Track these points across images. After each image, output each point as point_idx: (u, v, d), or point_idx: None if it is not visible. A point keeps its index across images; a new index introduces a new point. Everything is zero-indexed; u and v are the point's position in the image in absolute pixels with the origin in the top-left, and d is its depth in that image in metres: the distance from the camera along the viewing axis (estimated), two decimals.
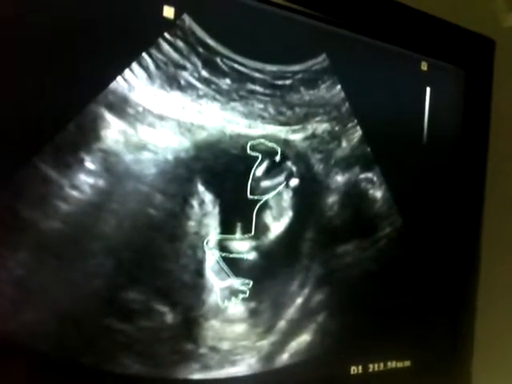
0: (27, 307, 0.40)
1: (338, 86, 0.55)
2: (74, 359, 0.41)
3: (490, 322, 0.70)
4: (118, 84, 0.43)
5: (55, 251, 0.41)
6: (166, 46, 0.45)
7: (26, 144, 0.40)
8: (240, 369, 0.50)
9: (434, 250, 0.65)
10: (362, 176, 0.58)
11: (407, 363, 0.62)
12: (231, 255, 0.50)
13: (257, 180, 0.51)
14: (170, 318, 0.46)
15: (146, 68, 0.44)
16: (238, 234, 0.50)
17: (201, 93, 0.47)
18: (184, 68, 0.46)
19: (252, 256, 0.51)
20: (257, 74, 0.50)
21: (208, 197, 0.48)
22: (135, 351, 0.44)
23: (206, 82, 0.47)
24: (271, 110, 0.51)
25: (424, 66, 0.63)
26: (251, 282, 0.51)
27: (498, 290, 0.72)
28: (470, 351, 0.68)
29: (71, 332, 0.41)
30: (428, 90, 0.63)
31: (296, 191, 0.53)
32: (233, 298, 0.49)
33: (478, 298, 0.69)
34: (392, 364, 0.61)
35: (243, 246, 0.50)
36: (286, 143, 0.52)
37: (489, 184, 0.69)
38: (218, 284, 0.49)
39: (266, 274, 0.52)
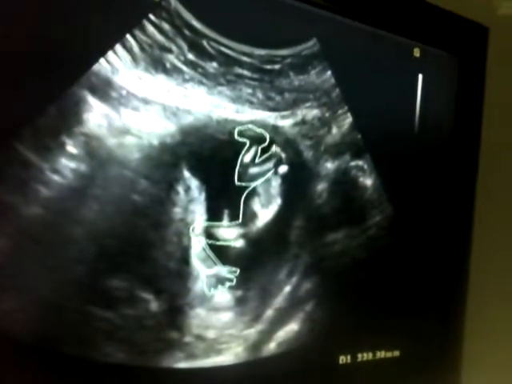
0: (7, 294, 0.39)
1: (329, 72, 0.54)
2: (55, 347, 0.41)
3: (480, 313, 0.70)
4: (101, 66, 0.42)
5: (36, 237, 0.40)
6: (150, 28, 0.44)
7: (5, 127, 0.38)
8: (226, 358, 0.49)
9: (424, 240, 0.64)
10: (353, 163, 0.57)
11: (396, 353, 0.62)
12: (218, 242, 0.49)
13: (245, 166, 0.50)
14: (154, 305, 0.45)
15: (129, 50, 0.43)
16: (225, 221, 0.49)
17: (187, 76, 0.46)
18: (169, 51, 0.45)
19: (239, 244, 0.50)
20: (245, 58, 0.49)
21: (194, 183, 0.47)
22: (119, 339, 0.44)
23: (192, 65, 0.46)
24: (259, 94, 0.50)
25: (416, 53, 0.62)
26: (238, 270, 0.50)
27: (489, 281, 0.71)
28: (460, 341, 0.68)
29: (53, 320, 0.41)
30: (420, 76, 0.62)
31: (285, 178, 0.52)
32: (219, 286, 0.49)
33: (469, 288, 0.68)
34: (381, 354, 0.61)
35: (230, 234, 0.50)
36: (274, 129, 0.51)
37: (481, 173, 0.68)
38: (205, 272, 0.48)
39: (254, 262, 0.51)
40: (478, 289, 0.69)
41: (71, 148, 0.41)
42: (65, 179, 0.41)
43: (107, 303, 0.43)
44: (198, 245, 0.47)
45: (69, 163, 0.41)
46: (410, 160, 0.62)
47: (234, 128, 0.49)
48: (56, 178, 0.40)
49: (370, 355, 0.59)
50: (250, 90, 0.50)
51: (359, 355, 0.59)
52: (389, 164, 0.60)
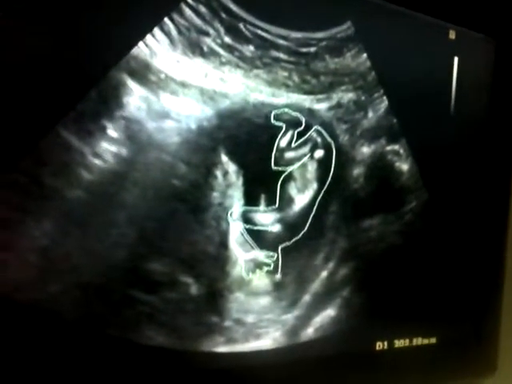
0: (52, 276, 0.39)
1: (364, 55, 0.54)
2: (99, 329, 0.41)
3: None
4: (140, 50, 0.42)
5: (79, 220, 0.40)
6: (188, 11, 0.44)
7: (49, 112, 0.39)
8: (265, 342, 0.49)
9: (460, 225, 0.63)
10: (389, 148, 0.56)
11: (433, 340, 0.61)
12: (255, 227, 0.49)
13: (281, 151, 0.50)
14: (194, 289, 0.45)
15: (167, 33, 0.43)
16: (262, 206, 0.49)
17: (223, 60, 0.46)
18: (207, 34, 0.45)
19: (276, 228, 0.50)
20: (281, 41, 0.49)
21: (232, 167, 0.47)
22: (160, 323, 0.44)
23: (228, 48, 0.46)
24: (295, 78, 0.50)
25: (452, 35, 0.60)
26: (276, 255, 0.50)
27: None
28: (497, 328, 0.67)
29: (96, 302, 0.41)
30: (456, 59, 0.61)
31: (321, 163, 0.52)
32: (257, 271, 0.48)
33: (506, 274, 0.67)
34: (417, 340, 0.60)
35: (267, 219, 0.49)
36: (310, 113, 0.51)
37: None
38: (243, 256, 0.48)
39: (291, 247, 0.51)
40: None
41: (112, 132, 0.41)
42: (106, 163, 0.41)
43: (148, 287, 0.43)
44: (235, 229, 0.47)
45: (109, 147, 0.41)
46: (446, 144, 0.61)
47: (270, 112, 0.49)
48: (97, 162, 0.41)
49: (407, 342, 0.59)
50: (285, 74, 0.49)
51: (396, 342, 0.58)
52: (424, 148, 0.59)
